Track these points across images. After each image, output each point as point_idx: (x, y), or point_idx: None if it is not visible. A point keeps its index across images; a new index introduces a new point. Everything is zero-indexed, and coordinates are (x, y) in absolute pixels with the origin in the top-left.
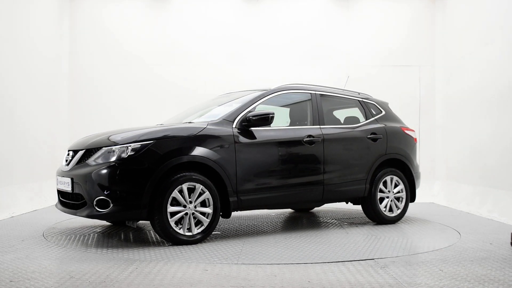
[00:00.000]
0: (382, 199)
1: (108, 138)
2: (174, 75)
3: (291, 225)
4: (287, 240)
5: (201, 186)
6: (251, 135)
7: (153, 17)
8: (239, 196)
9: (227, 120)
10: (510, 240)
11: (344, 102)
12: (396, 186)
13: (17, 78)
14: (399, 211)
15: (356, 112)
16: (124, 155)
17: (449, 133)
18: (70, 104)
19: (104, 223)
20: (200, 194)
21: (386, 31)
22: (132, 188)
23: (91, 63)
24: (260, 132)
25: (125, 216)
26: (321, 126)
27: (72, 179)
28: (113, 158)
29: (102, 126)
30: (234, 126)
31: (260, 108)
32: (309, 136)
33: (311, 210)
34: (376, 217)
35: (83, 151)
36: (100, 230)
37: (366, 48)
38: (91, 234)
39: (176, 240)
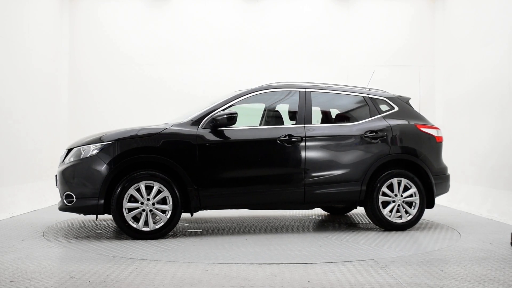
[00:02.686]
0: (387, 203)
1: (85, 139)
2: (175, 74)
3: (291, 225)
4: (287, 240)
5: (159, 184)
6: (221, 135)
7: (153, 17)
8: (200, 195)
9: (194, 120)
10: (510, 240)
11: (344, 99)
12: (406, 189)
13: (17, 78)
14: (409, 217)
15: (360, 109)
16: (87, 155)
17: (449, 133)
18: (69, 104)
19: (105, 223)
20: (160, 192)
21: (386, 31)
22: (90, 185)
23: (90, 63)
24: (234, 132)
25: (85, 210)
26: (306, 125)
27: (56, 176)
28: (80, 157)
29: (101, 126)
30: (200, 126)
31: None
32: (287, 135)
33: (346, 213)
34: (379, 223)
35: (67, 150)
36: (101, 230)
37: (366, 48)
38: (91, 234)
39: (132, 234)
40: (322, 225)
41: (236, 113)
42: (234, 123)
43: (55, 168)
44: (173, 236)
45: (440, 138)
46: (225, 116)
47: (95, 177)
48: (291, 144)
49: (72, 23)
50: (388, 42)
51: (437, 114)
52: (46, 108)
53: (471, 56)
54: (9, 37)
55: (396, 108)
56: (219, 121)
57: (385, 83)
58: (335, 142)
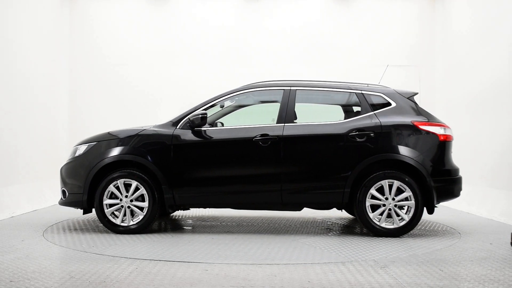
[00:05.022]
0: (376, 207)
1: (83, 139)
2: (174, 75)
3: (291, 225)
4: (287, 240)
5: (137, 182)
6: (199, 135)
7: (153, 18)
8: (174, 193)
9: (173, 121)
10: (510, 240)
11: (334, 96)
12: (400, 192)
13: (17, 78)
14: (403, 222)
15: (351, 106)
16: (78, 154)
17: None
18: (69, 104)
19: None
20: (138, 189)
21: (386, 31)
22: (76, 182)
23: (90, 63)
24: (213, 132)
25: (75, 204)
26: (286, 124)
27: None
28: (74, 156)
29: (101, 126)
30: (178, 127)
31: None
32: (263, 135)
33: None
34: (367, 227)
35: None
36: (101, 230)
37: (366, 48)
38: (92, 234)
39: (111, 229)
40: (322, 226)
41: (206, 113)
42: (205, 123)
43: (55, 168)
44: (173, 236)
45: (445, 136)
46: (199, 116)
47: (81, 175)
48: (266, 143)
49: (72, 23)
50: (388, 42)
51: (437, 114)
52: (46, 108)
53: (471, 56)
54: (9, 37)
55: (394, 104)
56: (194, 122)
57: (385, 83)
58: (315, 141)
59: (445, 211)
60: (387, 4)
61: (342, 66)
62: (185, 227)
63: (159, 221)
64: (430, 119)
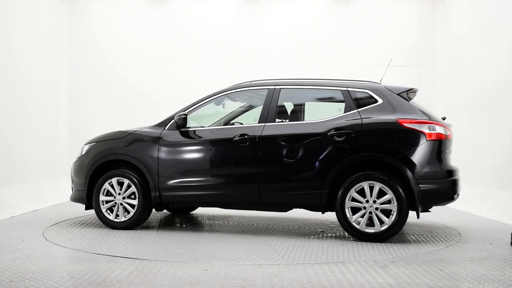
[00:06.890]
0: (357, 210)
1: (90, 138)
2: (174, 75)
3: (291, 226)
4: (287, 240)
5: (128, 181)
6: (186, 135)
7: (154, 18)
8: (160, 192)
9: (163, 122)
10: (510, 240)
11: (319, 94)
12: (383, 194)
13: (16, 78)
14: (384, 226)
15: (335, 104)
16: (81, 153)
17: None
18: (69, 104)
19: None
20: (130, 187)
21: (386, 31)
22: (79, 179)
23: (90, 64)
24: (197, 132)
25: (79, 201)
26: (267, 124)
27: None
28: (79, 155)
29: (101, 126)
30: (166, 127)
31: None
32: (242, 135)
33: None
34: (347, 230)
35: None
36: (100, 230)
37: (366, 48)
38: (91, 234)
39: (106, 224)
40: (322, 226)
41: (186, 115)
42: (186, 124)
43: (55, 168)
44: (173, 235)
45: (435, 135)
46: (181, 117)
47: (82, 173)
48: (245, 143)
49: (72, 23)
50: (388, 42)
51: (437, 114)
52: (46, 109)
53: (471, 56)
54: (9, 37)
55: (380, 101)
56: (177, 122)
57: (385, 83)
58: (294, 141)
59: (445, 211)
60: (387, 4)
61: (342, 66)
62: (188, 226)
63: (167, 220)
64: (425, 117)
